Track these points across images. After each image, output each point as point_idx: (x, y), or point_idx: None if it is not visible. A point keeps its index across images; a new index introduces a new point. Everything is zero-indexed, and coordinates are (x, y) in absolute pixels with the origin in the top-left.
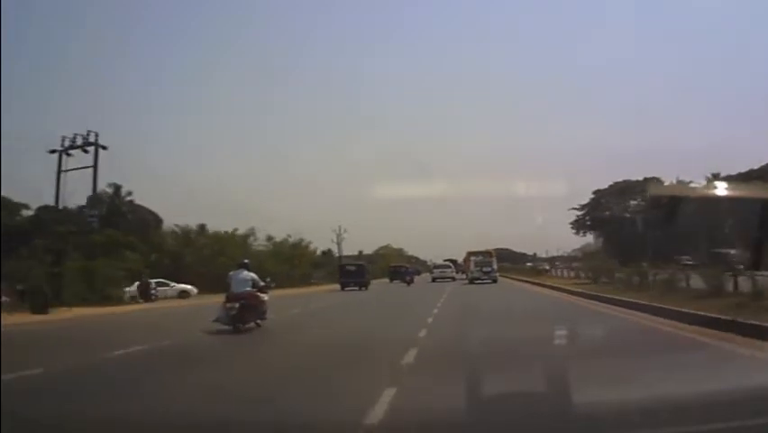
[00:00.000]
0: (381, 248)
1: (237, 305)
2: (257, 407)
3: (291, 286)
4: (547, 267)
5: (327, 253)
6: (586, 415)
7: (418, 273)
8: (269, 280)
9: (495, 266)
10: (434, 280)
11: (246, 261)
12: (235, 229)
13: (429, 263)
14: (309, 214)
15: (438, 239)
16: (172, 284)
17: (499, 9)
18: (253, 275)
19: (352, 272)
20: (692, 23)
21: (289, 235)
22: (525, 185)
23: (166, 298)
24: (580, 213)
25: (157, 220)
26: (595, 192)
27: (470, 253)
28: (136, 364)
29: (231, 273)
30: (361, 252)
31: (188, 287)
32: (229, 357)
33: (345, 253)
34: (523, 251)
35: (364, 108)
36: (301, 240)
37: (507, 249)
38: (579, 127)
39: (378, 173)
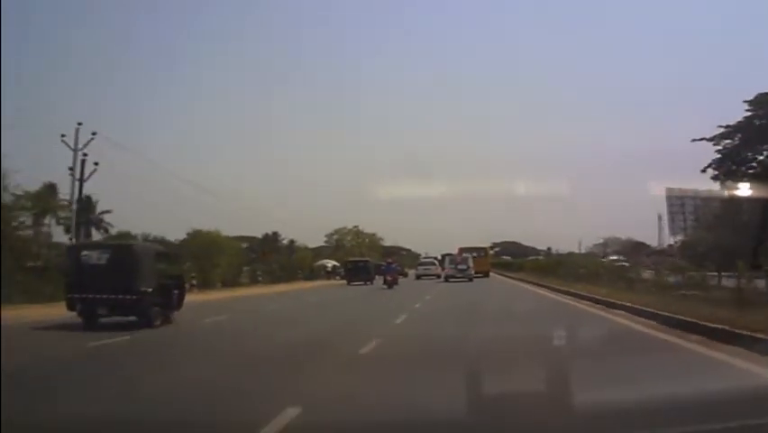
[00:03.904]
0: (337, 231)
1: None
2: None
3: None
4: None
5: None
6: None
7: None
8: None
9: (470, 264)
10: (418, 277)
11: None
12: None
13: (424, 257)
14: (311, 212)
15: (444, 235)
16: None
17: (499, 10)
18: None
19: (99, 273)
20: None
21: None
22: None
23: None
24: (721, 148)
25: None
26: (751, 104)
27: (461, 250)
28: None
29: None
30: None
31: None
32: None
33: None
34: (533, 245)
35: (364, 108)
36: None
37: (515, 242)
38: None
39: (383, 171)
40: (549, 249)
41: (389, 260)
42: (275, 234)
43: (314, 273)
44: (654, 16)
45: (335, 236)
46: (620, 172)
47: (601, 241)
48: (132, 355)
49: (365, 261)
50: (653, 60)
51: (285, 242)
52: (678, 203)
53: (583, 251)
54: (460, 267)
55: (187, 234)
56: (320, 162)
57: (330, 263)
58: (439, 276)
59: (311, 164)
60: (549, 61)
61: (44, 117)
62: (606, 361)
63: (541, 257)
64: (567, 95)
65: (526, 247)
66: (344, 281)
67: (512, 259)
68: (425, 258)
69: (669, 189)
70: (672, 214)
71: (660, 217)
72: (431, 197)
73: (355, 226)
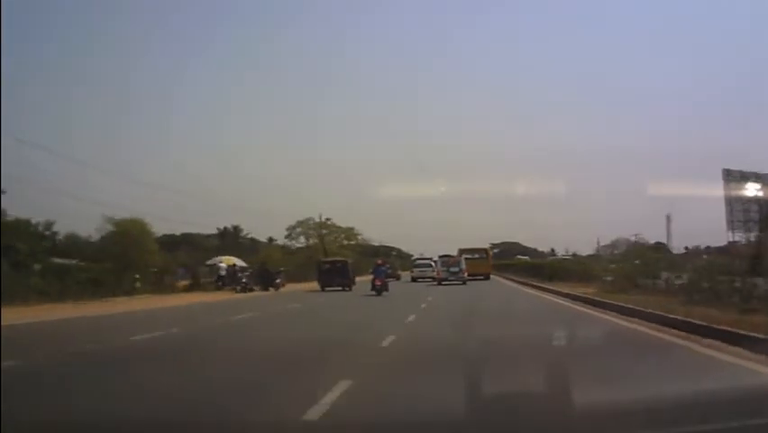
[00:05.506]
0: (300, 223)
1: None
2: None
3: None
4: None
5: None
6: None
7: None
8: None
9: (463, 266)
10: (414, 279)
11: None
12: None
13: (419, 258)
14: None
15: (439, 235)
16: None
17: (499, 9)
18: None
19: None
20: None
21: None
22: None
23: None
24: None
25: None
26: None
27: (461, 251)
28: None
29: None
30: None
31: None
32: None
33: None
34: (534, 246)
35: (364, 108)
36: None
37: (516, 243)
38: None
39: (383, 172)
40: (552, 250)
41: (379, 261)
42: (236, 228)
43: (198, 281)
44: (656, 15)
45: (298, 229)
46: (622, 172)
47: (609, 242)
48: None
49: (342, 261)
50: (652, 60)
51: (254, 237)
52: (737, 188)
53: (589, 252)
54: (452, 269)
55: (115, 224)
56: (320, 162)
57: (224, 264)
58: (434, 279)
59: (310, 163)
60: (550, 61)
61: None
62: None
63: (569, 256)
64: (569, 93)
65: (527, 248)
66: (242, 293)
67: (532, 259)
68: (420, 259)
69: (726, 172)
70: (730, 204)
71: (668, 218)
72: (426, 196)
73: (327, 219)
